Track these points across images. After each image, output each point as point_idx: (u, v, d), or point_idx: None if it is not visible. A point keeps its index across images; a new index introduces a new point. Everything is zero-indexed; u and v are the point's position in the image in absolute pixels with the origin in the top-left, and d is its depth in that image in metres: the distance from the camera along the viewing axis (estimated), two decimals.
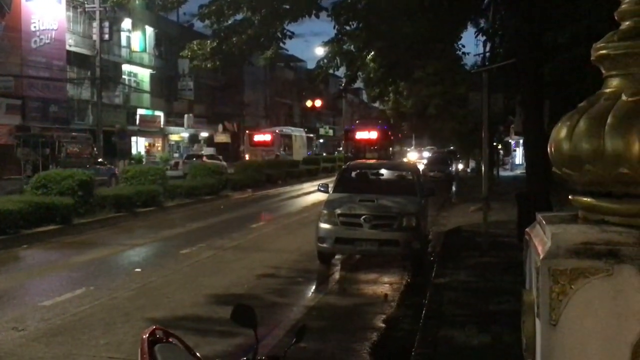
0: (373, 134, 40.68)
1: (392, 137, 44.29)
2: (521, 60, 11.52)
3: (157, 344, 3.56)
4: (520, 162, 50.08)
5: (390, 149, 43.51)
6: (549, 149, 2.41)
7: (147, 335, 3.64)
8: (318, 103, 52.52)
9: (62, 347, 6.67)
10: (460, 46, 17.62)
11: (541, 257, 2.14)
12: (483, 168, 12.66)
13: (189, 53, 12.60)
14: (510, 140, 49.17)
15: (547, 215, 2.51)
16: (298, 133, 55.56)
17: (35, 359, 6.31)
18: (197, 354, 3.64)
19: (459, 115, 29.85)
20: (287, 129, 55.18)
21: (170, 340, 3.72)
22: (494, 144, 30.05)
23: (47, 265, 11.53)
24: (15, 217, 13.51)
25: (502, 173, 40.44)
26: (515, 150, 56.70)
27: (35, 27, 33.12)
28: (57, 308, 8.26)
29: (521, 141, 38.24)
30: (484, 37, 18.37)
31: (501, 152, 44.94)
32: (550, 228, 2.22)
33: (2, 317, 7.75)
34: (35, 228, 14.06)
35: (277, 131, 50.21)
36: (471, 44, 57.26)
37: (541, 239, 2.32)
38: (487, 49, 21.91)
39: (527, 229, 2.61)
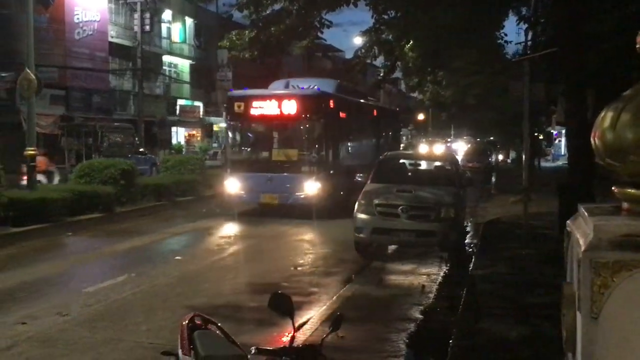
0: (290, 107, 16.04)
1: (341, 117, 18.15)
2: (564, 48, 11.27)
3: (196, 330, 3.62)
4: (563, 153, 49.18)
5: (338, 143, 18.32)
6: (592, 139, 2.36)
7: (186, 321, 3.72)
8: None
9: (104, 332, 6.83)
10: (502, 35, 17.35)
11: (583, 249, 2.10)
12: (524, 158, 12.46)
13: (228, 43, 12.69)
14: (552, 131, 48.28)
15: (590, 206, 2.46)
16: None
17: (78, 344, 6.47)
18: (235, 340, 3.69)
19: (499, 105, 29.39)
20: None
21: (209, 327, 3.78)
22: (535, 134, 29.52)
23: (90, 252, 11.80)
24: (60, 206, 13.85)
25: (544, 164, 39.74)
26: (556, 141, 55.69)
27: (78, 18, 33.73)
28: (100, 294, 8.45)
29: (563, 131, 37.53)
30: (526, 25, 18.04)
31: (544, 142, 44.11)
32: (593, 220, 2.18)
33: (48, 303, 7.97)
34: (78, 216, 14.40)
35: None
36: (512, 33, 56.45)
37: (583, 231, 2.28)
38: (529, 37, 21.52)
39: (568, 221, 2.57)
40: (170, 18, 44.86)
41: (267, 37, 11.54)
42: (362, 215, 10.95)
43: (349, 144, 18.98)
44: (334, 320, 3.17)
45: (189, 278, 9.53)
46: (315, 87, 16.58)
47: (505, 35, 18.58)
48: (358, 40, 18.99)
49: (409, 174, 12.96)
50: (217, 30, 41.92)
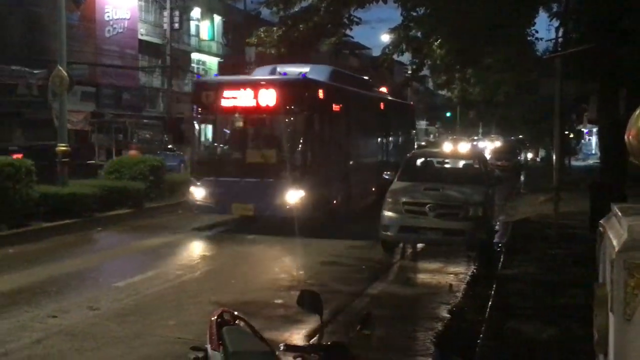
0: (268, 98, 12.97)
1: (335, 110, 15.00)
2: (596, 45, 11.10)
3: (225, 326, 3.65)
4: (594, 152, 48.39)
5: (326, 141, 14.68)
6: (625, 138, 2.32)
7: (215, 317, 3.74)
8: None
9: (133, 327, 6.92)
10: (533, 31, 17.12)
11: (616, 249, 2.07)
12: (554, 157, 12.30)
13: (255, 39, 12.73)
14: (583, 129, 47.54)
15: (623, 206, 2.42)
16: None
17: (108, 338, 6.56)
18: (263, 337, 3.71)
19: (529, 102, 29.05)
20: None
21: (238, 322, 3.80)
22: (566, 132, 29.12)
23: (119, 247, 11.96)
24: (90, 201, 14.07)
25: (574, 163, 39.16)
26: (586, 139, 54.82)
27: (108, 16, 34.18)
28: (129, 289, 8.57)
29: (595, 130, 36.94)
30: (557, 22, 17.79)
31: (575, 141, 43.43)
32: (627, 220, 2.15)
33: (78, 297, 8.09)
34: (108, 211, 14.59)
35: None
36: (542, 29, 55.69)
37: (617, 231, 2.24)
38: (560, 34, 21.20)
39: (601, 221, 2.53)
40: (199, 16, 45.20)
41: (296, 35, 11.55)
42: (389, 213, 10.91)
43: (345, 144, 15.37)
44: (362, 318, 3.17)
45: (217, 274, 9.61)
46: (301, 73, 13.57)
47: (537, 32, 18.27)
48: (386, 38, 18.88)
49: (437, 172, 12.88)
50: (245, 28, 42.07)
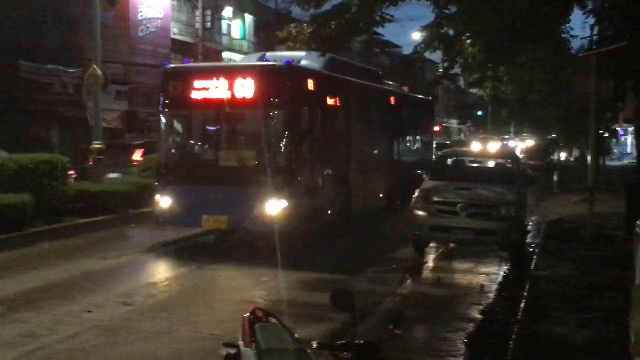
0: (244, 89, 10.91)
1: (329, 105, 12.80)
2: (633, 43, 10.87)
3: (257, 323, 3.67)
4: (629, 151, 47.43)
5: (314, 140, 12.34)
6: None
7: (248, 314, 3.77)
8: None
9: (166, 322, 7.01)
10: (567, 29, 16.87)
11: None
12: (589, 157, 12.10)
13: (286, 34, 12.75)
14: (618, 129, 46.64)
15: None
16: None
17: (141, 333, 6.66)
18: (295, 335, 3.72)
19: (563, 101, 28.61)
20: None
21: (270, 320, 3.83)
22: (601, 131, 28.61)
23: (152, 244, 12.08)
24: (124, 199, 14.28)
25: (609, 163, 38.45)
26: (620, 139, 53.80)
27: (142, 16, 34.58)
28: (162, 285, 8.67)
29: (630, 129, 36.20)
30: (593, 20, 17.50)
31: (612, 140, 42.61)
32: None
33: (112, 292, 8.22)
34: (141, 209, 14.77)
35: None
36: (577, 27, 54.59)
37: None
38: (595, 31, 20.84)
39: (638, 222, 2.49)
40: (230, 15, 45.50)
41: (327, 32, 11.55)
42: (420, 213, 10.84)
43: (344, 144, 13.36)
44: (395, 317, 3.16)
45: (248, 272, 9.65)
46: (291, 60, 11.73)
47: (572, 29, 17.98)
48: (417, 36, 18.77)
49: (469, 171, 12.76)
50: (276, 27, 42.20)
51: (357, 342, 3.05)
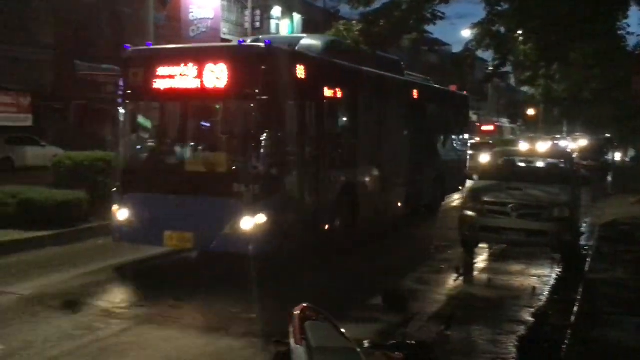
0: (214, 75, 8.78)
1: (326, 96, 10.60)
2: None
3: (307, 321, 3.68)
4: None
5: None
6: None
7: (298, 312, 3.78)
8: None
9: (217, 318, 7.12)
10: (624, 25, 16.35)
11: None
12: None
13: (334, 33, 12.75)
14: None
15: None
16: None
17: (192, 328, 6.79)
18: (344, 333, 3.71)
19: (618, 100, 27.78)
20: None
21: (320, 318, 3.82)
22: None
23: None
24: None
25: None
26: None
27: (193, 16, 35.13)
28: (213, 280, 8.80)
29: None
30: None
31: None
32: None
33: (164, 287, 8.38)
34: None
35: None
36: (634, 24, 52.85)
37: None
38: None
39: None
40: (279, 14, 45.82)
41: (376, 30, 11.48)
42: (469, 213, 10.70)
43: (348, 144, 11.54)
44: (447, 318, 3.13)
45: (297, 271, 9.69)
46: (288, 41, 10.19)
47: (628, 26, 17.40)
48: (466, 34, 18.50)
49: (521, 171, 12.53)
50: (324, 26, 42.32)
51: (409, 342, 3.03)
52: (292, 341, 3.68)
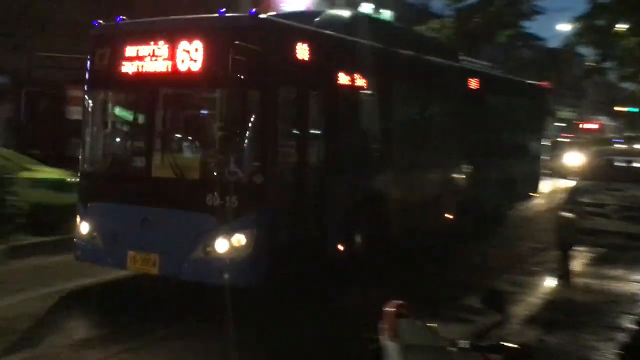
0: (191, 59, 6.93)
1: (343, 85, 8.32)
2: None
3: (399, 318, 3.64)
4: None
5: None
6: None
7: (391, 308, 3.75)
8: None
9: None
10: None
11: None
12: None
13: (427, 30, 12.60)
14: None
15: None
16: None
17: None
18: (438, 332, 3.65)
19: None
20: None
21: (412, 316, 3.78)
22: None
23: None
24: None
25: None
26: None
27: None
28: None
29: None
30: None
31: None
32: None
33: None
34: None
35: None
36: None
37: None
38: None
39: None
40: (369, 10, 45.81)
41: (471, 26, 11.26)
42: (567, 214, 10.29)
43: (372, 145, 9.36)
44: (547, 323, 3.00)
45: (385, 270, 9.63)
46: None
47: None
48: (564, 28, 17.79)
49: (624, 171, 11.95)
50: (415, 22, 41.89)
51: (508, 345, 2.93)
52: (383, 337, 3.66)
